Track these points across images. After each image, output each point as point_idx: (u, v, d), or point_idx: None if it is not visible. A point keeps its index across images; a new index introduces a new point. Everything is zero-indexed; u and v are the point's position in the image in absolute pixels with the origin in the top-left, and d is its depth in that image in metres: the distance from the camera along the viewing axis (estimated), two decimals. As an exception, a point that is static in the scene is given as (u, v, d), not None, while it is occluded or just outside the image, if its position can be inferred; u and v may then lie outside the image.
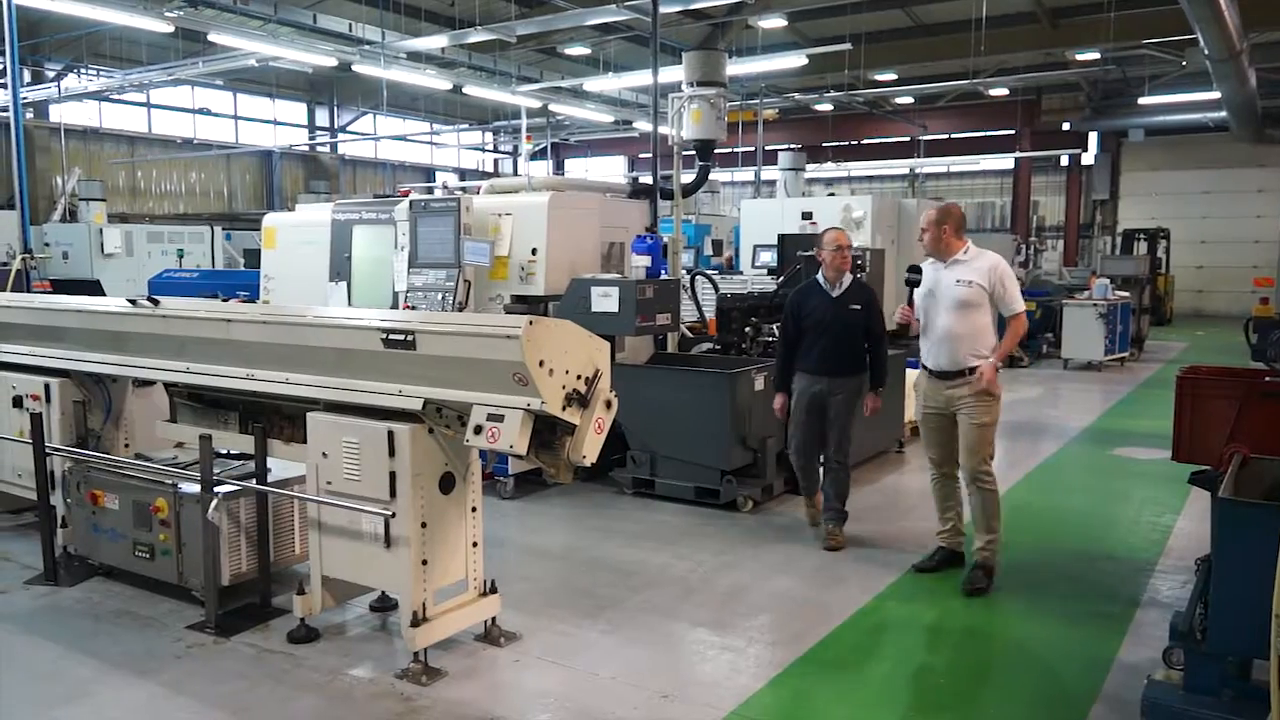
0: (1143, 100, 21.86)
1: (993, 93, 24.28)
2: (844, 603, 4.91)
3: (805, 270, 7.54)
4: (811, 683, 4.11)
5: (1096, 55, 19.65)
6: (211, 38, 16.12)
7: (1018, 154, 26.24)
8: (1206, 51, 14.61)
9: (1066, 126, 26.57)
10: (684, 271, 8.95)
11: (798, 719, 3.87)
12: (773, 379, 6.09)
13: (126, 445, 5.58)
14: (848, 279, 5.84)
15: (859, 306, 5.78)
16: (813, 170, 22.79)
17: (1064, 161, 27.93)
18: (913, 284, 5.27)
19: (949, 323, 5.08)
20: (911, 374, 6.68)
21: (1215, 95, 18.23)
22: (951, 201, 5.47)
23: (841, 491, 5.88)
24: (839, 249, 5.80)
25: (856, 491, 6.39)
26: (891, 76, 23.34)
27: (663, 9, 10.99)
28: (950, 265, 5.17)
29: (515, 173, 31.86)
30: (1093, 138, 27.35)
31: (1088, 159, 27.74)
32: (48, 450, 5.18)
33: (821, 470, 6.03)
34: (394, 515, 3.94)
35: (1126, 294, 14.99)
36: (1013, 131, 26.53)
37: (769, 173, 21.01)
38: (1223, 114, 20.20)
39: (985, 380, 5.00)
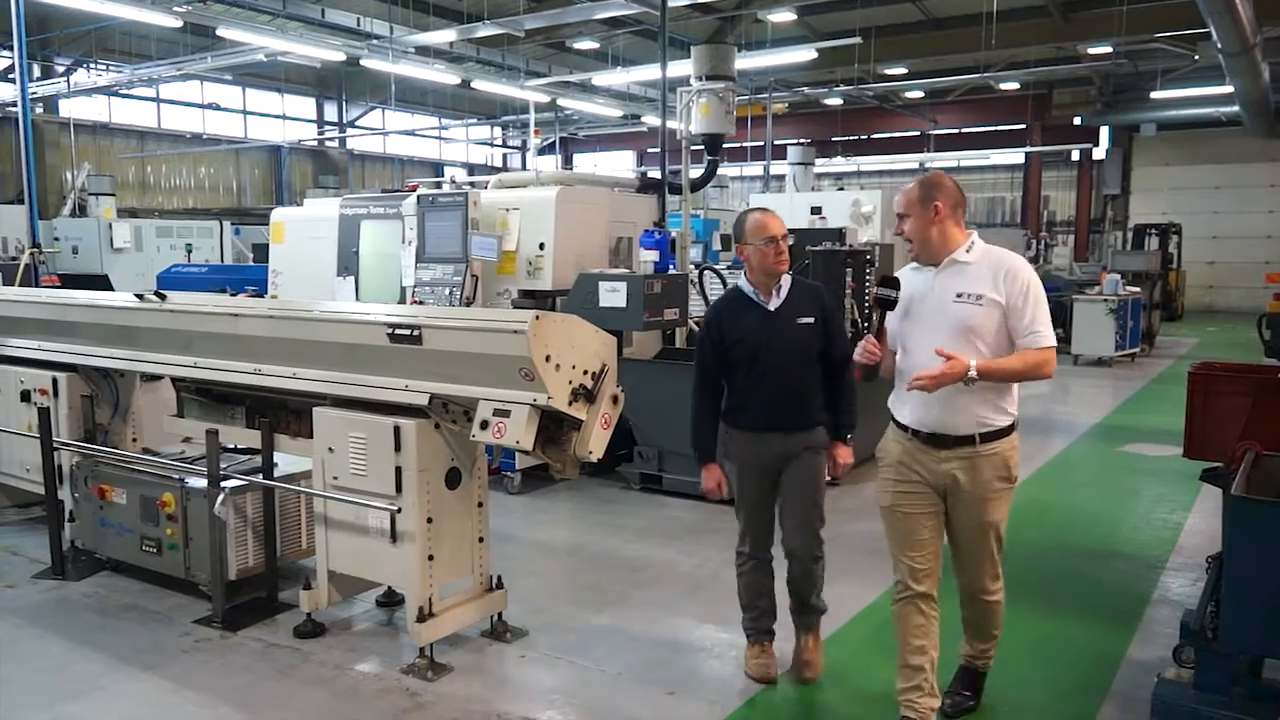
0: (1155, 94, 21.71)
1: (1003, 87, 24.17)
2: (851, 599, 4.88)
3: (813, 267, 7.49)
4: (817, 678, 4.09)
5: (1108, 49, 19.51)
6: (220, 32, 16.16)
7: (1028, 149, 26.13)
8: (1219, 45, 14.49)
9: (1078, 121, 26.42)
10: (692, 266, 8.93)
11: (804, 716, 3.85)
12: (694, 443, 4.02)
13: (134, 440, 5.59)
14: (787, 282, 3.93)
15: (810, 320, 3.88)
16: (822, 165, 22.74)
17: (1075, 156, 27.79)
18: (886, 305, 3.42)
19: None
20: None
21: (1228, 90, 18.09)
22: (940, 170, 3.85)
23: (815, 588, 4.03)
24: (770, 241, 3.81)
25: (860, 487, 6.32)
26: (901, 71, 23.24)
27: (671, 3, 10.96)
28: (944, 270, 3.37)
29: (523, 167, 31.84)
30: (1104, 132, 27.18)
31: (1099, 154, 27.58)
32: (55, 445, 5.20)
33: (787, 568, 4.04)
34: (400, 510, 3.94)
35: (1137, 289, 14.90)
36: (1023, 126, 26.41)
37: (778, 167, 20.95)
38: (1235, 109, 20.04)
39: (1003, 462, 3.37)
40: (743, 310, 3.91)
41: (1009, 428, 3.39)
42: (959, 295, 3.31)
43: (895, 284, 3.41)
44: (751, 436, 3.90)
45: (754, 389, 3.85)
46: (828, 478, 4.00)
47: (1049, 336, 3.27)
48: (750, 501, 3.99)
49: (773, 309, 3.88)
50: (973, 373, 3.12)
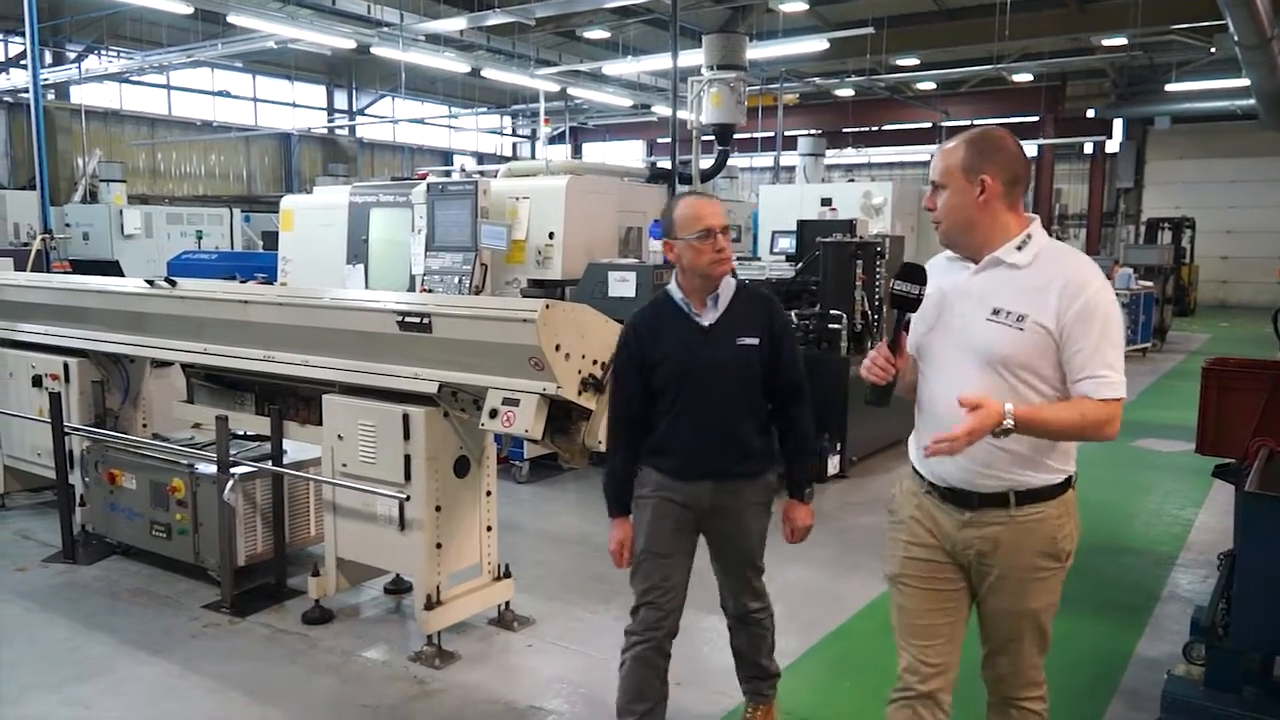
0: (1170, 87, 21.57)
1: (1017, 78, 24.02)
2: (857, 592, 4.88)
3: (823, 259, 7.45)
4: (824, 672, 4.09)
5: (1123, 41, 19.36)
6: (231, 19, 16.15)
7: (1041, 141, 25.95)
8: (1236, 38, 14.35)
9: (1091, 113, 26.25)
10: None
11: (810, 708, 3.85)
12: (606, 490, 3.17)
13: (144, 425, 5.61)
14: (730, 288, 3.07)
15: (753, 340, 3.02)
16: (833, 156, 22.60)
17: (1088, 149, 27.62)
18: (905, 304, 2.45)
19: (971, 393, 2.28)
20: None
21: (1244, 83, 17.91)
22: (999, 127, 2.56)
23: (765, 648, 3.41)
24: (706, 235, 2.95)
25: (865, 483, 6.31)
26: (914, 61, 23.10)
27: (683, -8, 10.90)
28: (984, 271, 2.44)
29: (533, 156, 31.80)
30: (1118, 125, 27.02)
31: (1112, 146, 27.42)
32: (66, 429, 5.21)
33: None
34: (409, 498, 3.94)
35: (1150, 284, 14.84)
36: (1036, 118, 26.23)
37: (788, 158, 20.86)
38: (1251, 102, 19.87)
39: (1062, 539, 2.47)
40: (669, 323, 3.05)
41: (1060, 485, 2.45)
42: (995, 312, 2.35)
43: (919, 276, 2.41)
44: (674, 485, 3.04)
45: (678, 425, 3.01)
46: (787, 538, 3.19)
47: (1116, 384, 2.29)
48: (656, 564, 3.04)
49: (707, 324, 3.01)
50: (1008, 421, 2.21)
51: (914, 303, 2.43)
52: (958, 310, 2.44)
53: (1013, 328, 2.34)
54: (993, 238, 2.41)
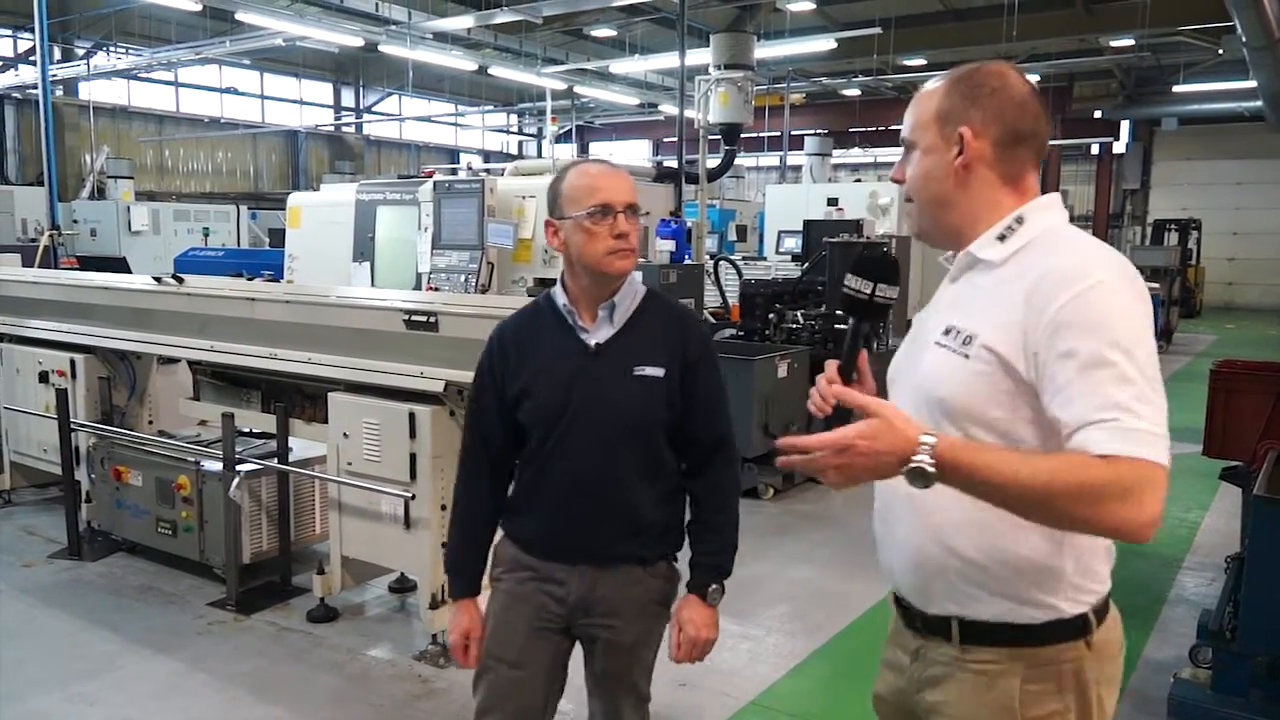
0: (1177, 88, 21.51)
1: (1024, 79, 23.95)
2: (864, 594, 4.87)
3: (830, 259, 7.44)
4: (831, 673, 4.08)
5: (1131, 42, 19.31)
6: (239, 17, 16.19)
7: (1048, 141, 25.88)
8: (1244, 39, 14.29)
9: (1098, 114, 26.18)
10: (708, 257, 8.90)
11: (817, 710, 3.84)
12: (445, 562, 2.39)
13: (150, 422, 5.62)
14: (635, 296, 2.22)
15: (658, 371, 2.16)
16: (839, 156, 22.63)
17: (1095, 150, 27.53)
18: (858, 309, 1.68)
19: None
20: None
21: (1251, 84, 17.84)
22: (1001, 63, 1.63)
23: None
24: (603, 212, 2.11)
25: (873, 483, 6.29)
26: (921, 61, 23.04)
27: (690, -9, 10.89)
28: (961, 272, 1.66)
29: (540, 155, 31.81)
30: (1125, 126, 26.94)
31: (1119, 147, 27.34)
32: (73, 426, 5.23)
33: None
34: (414, 497, 3.94)
35: (1156, 285, 14.80)
36: (1043, 119, 26.15)
37: (795, 158, 20.86)
38: (1258, 103, 19.76)
39: None
40: (544, 338, 2.20)
41: (1052, 627, 1.54)
42: (946, 331, 1.57)
43: (884, 272, 1.66)
44: (535, 564, 2.21)
45: (544, 480, 2.18)
46: (674, 651, 2.25)
47: (1136, 432, 1.32)
48: (501, 676, 2.22)
49: (595, 343, 2.16)
50: (922, 458, 1.36)
51: (869, 308, 1.66)
52: (918, 332, 1.70)
53: (956, 353, 1.53)
54: (977, 223, 1.59)
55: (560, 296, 2.21)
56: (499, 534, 2.31)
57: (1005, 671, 1.55)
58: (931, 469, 1.35)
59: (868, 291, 1.67)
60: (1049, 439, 1.44)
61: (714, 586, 2.26)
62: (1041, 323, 1.41)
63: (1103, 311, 1.39)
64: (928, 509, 1.55)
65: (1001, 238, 1.57)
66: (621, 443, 2.15)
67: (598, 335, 2.17)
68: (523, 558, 2.23)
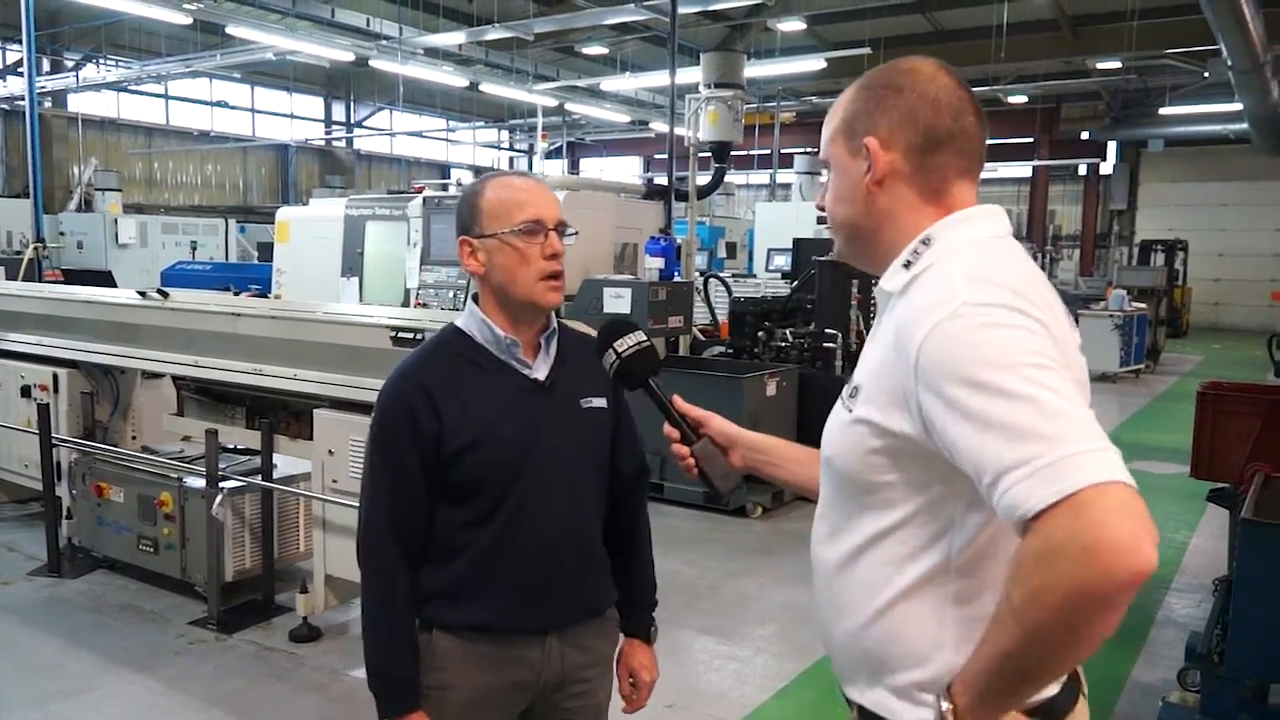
0: (1163, 110, 21.70)
1: (1012, 100, 24.13)
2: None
3: (819, 277, 7.46)
4: (819, 696, 4.05)
5: (1117, 64, 19.50)
6: (230, 30, 16.20)
7: (1035, 162, 26.10)
8: (1229, 62, 14.47)
9: (1085, 135, 26.41)
10: (697, 274, 8.91)
11: (804, 732, 3.82)
12: (375, 673, 1.85)
13: (134, 437, 5.57)
14: (552, 320, 1.94)
15: (601, 401, 1.97)
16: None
17: (1082, 171, 27.78)
18: (628, 375, 1.75)
19: (818, 538, 1.52)
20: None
21: (1237, 107, 18.06)
22: (918, 58, 1.37)
23: None
24: (534, 228, 1.82)
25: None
26: (909, 82, 23.22)
27: (681, 9, 10.96)
28: (883, 312, 1.36)
29: (530, 171, 31.84)
30: (1112, 147, 27.17)
31: (1106, 168, 27.58)
32: (55, 441, 5.17)
33: None
34: (399, 515, 3.89)
35: (1143, 305, 14.88)
36: (1031, 140, 26.39)
37: (784, 176, 20.94)
38: (1244, 126, 20.01)
39: None
40: (478, 380, 1.87)
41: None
42: (852, 393, 1.33)
43: (616, 331, 1.74)
44: (491, 651, 1.87)
45: (505, 544, 1.85)
46: (625, 697, 2.13)
47: (1054, 467, 1.02)
48: None
49: (542, 378, 1.90)
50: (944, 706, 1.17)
51: (634, 365, 1.69)
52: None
53: (844, 407, 1.34)
54: (894, 250, 1.34)
55: (479, 330, 1.89)
56: (421, 633, 1.88)
57: None
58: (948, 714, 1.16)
59: (615, 356, 1.71)
60: (944, 514, 1.24)
61: (654, 626, 2.14)
62: (908, 368, 1.18)
63: (954, 344, 1.13)
64: (842, 608, 1.43)
65: (907, 264, 1.30)
66: (584, 485, 1.94)
67: (541, 369, 1.91)
68: (477, 648, 1.86)
